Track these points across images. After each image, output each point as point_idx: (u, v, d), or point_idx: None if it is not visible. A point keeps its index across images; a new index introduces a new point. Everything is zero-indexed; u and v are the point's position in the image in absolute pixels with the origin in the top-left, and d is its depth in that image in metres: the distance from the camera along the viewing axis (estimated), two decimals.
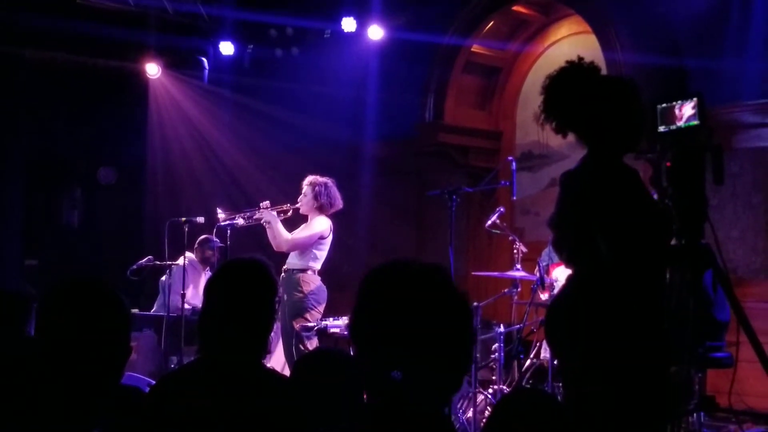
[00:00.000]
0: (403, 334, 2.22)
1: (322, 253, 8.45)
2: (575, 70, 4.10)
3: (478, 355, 8.04)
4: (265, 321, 3.46)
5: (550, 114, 4.12)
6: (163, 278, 10.20)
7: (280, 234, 8.40)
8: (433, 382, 2.24)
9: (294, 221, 8.72)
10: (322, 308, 8.37)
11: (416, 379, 2.21)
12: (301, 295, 8.28)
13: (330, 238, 8.49)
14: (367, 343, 2.28)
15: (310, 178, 8.55)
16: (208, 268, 10.29)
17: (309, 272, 8.38)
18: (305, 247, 8.40)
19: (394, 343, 2.22)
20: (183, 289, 9.23)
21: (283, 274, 8.39)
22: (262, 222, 8.62)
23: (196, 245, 10.02)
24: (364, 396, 2.38)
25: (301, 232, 8.47)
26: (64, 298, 2.64)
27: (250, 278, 3.45)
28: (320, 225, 8.42)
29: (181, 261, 9.72)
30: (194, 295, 9.79)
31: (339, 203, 8.56)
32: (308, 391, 3.35)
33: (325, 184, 8.49)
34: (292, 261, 8.45)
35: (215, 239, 9.76)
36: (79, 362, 2.53)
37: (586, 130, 4.08)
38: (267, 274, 3.48)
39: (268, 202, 8.67)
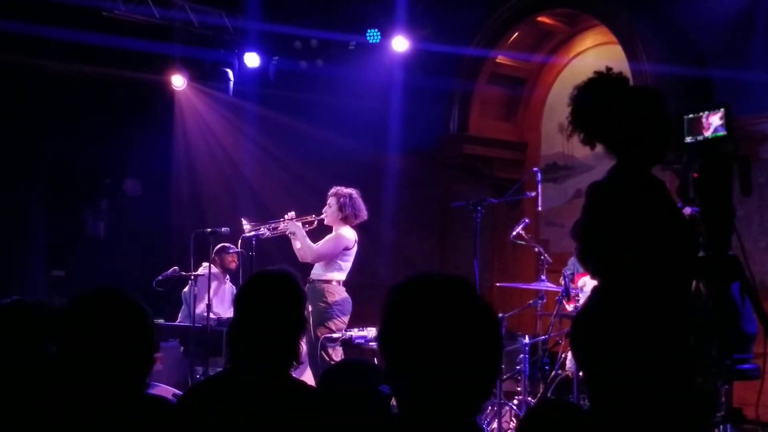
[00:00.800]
0: (431, 347, 2.21)
1: (346, 264, 8.45)
2: (603, 81, 4.08)
3: (503, 367, 8.02)
4: (294, 332, 3.47)
5: (577, 125, 4.09)
6: (186, 289, 10.23)
7: (305, 245, 8.42)
8: (462, 393, 2.24)
9: (319, 232, 8.73)
10: (346, 319, 8.37)
11: (445, 390, 2.21)
12: (325, 305, 8.28)
13: (355, 249, 8.49)
14: (396, 356, 2.27)
15: (334, 189, 8.56)
16: (228, 276, 10.30)
17: (333, 283, 8.39)
18: (330, 258, 8.40)
19: (423, 355, 2.22)
20: (208, 299, 9.24)
21: (307, 284, 8.40)
22: (287, 233, 8.63)
23: (213, 255, 10.03)
24: (392, 407, 2.38)
25: (326, 243, 8.48)
26: (88, 309, 2.64)
27: (279, 289, 3.46)
28: (345, 236, 8.43)
29: (201, 271, 9.74)
30: (217, 305, 9.81)
31: (364, 214, 8.56)
32: (334, 402, 3.34)
33: (350, 195, 8.50)
34: (317, 272, 8.46)
35: (232, 246, 9.74)
36: (103, 372, 2.54)
37: (614, 141, 4.05)
38: (295, 285, 3.49)
39: (293, 213, 8.69)
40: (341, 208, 8.46)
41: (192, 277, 9.70)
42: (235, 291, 9.96)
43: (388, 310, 2.31)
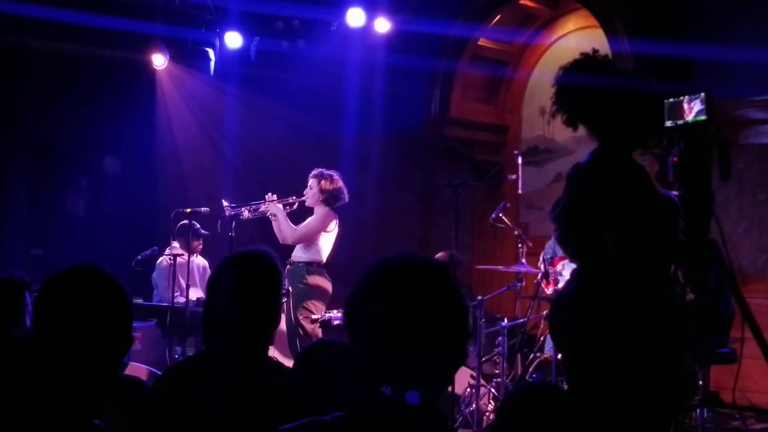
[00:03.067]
0: (396, 324, 2.22)
1: (327, 246, 8.46)
2: (589, 63, 4.07)
3: (481, 349, 8.04)
4: (271, 313, 3.45)
5: (561, 105, 4.09)
6: (154, 274, 10.17)
7: (285, 227, 8.42)
8: (425, 373, 2.24)
9: (300, 214, 8.72)
10: (326, 300, 8.38)
11: (408, 370, 2.22)
12: (305, 287, 8.30)
13: (335, 232, 8.50)
14: (360, 333, 2.28)
15: (315, 171, 8.56)
16: (196, 255, 10.11)
17: (314, 265, 8.40)
18: (310, 240, 8.40)
19: (387, 332, 2.22)
20: (187, 279, 9.22)
21: (288, 266, 8.40)
22: (267, 214, 8.62)
23: (174, 234, 9.95)
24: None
25: (307, 225, 8.47)
26: (64, 286, 2.62)
27: (256, 270, 3.43)
28: (326, 218, 8.42)
29: (167, 251, 9.72)
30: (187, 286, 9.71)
31: (344, 197, 8.56)
32: (310, 381, 3.34)
33: (331, 177, 8.50)
34: (298, 254, 8.46)
35: (195, 224, 9.62)
36: (79, 351, 2.52)
37: (597, 123, 4.05)
38: (273, 266, 3.46)
39: (274, 194, 8.68)
40: (322, 190, 8.46)
41: (162, 258, 9.70)
42: (206, 267, 9.93)
43: (360, 285, 2.32)
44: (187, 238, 9.78)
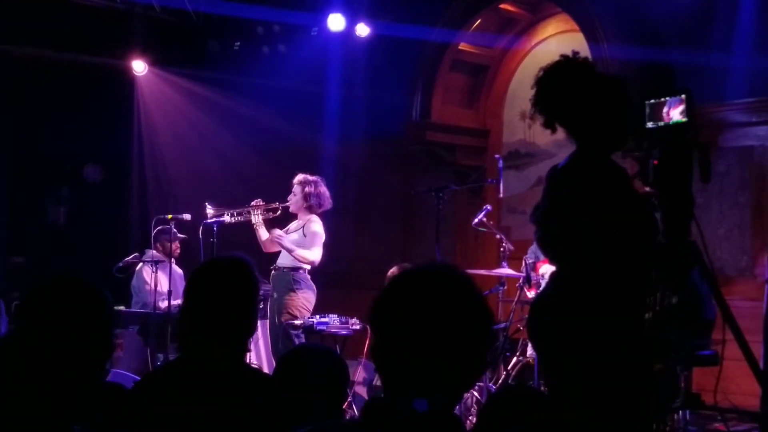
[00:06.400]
0: (423, 333, 2.21)
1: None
2: (569, 65, 4.06)
3: None
4: (247, 319, 3.44)
5: (540, 108, 4.07)
6: (133, 281, 10.10)
7: (302, 254, 8.29)
8: (446, 381, 2.24)
9: (283, 219, 8.72)
10: (311, 307, 8.37)
11: (430, 377, 2.22)
12: (291, 292, 8.29)
13: (323, 239, 8.49)
14: (387, 337, 2.27)
15: (299, 177, 8.55)
16: (173, 260, 9.96)
17: (301, 271, 8.38)
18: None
19: (414, 340, 2.22)
20: (169, 286, 9.18)
21: (273, 271, 8.40)
22: (252, 223, 8.61)
23: (152, 240, 9.89)
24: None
25: (313, 247, 8.36)
26: (45, 295, 2.62)
27: (232, 276, 3.42)
28: (319, 227, 8.41)
29: (145, 258, 9.69)
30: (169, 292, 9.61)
31: (328, 203, 8.56)
32: (290, 387, 3.33)
33: (315, 183, 8.50)
34: (285, 260, 8.43)
35: (171, 228, 9.57)
36: (61, 359, 2.51)
37: (576, 125, 4.04)
38: (249, 272, 3.45)
39: (260, 200, 8.68)
40: (306, 197, 8.45)
41: (141, 264, 9.68)
42: (182, 276, 9.86)
43: (390, 290, 2.31)
44: (164, 244, 9.74)
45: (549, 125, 4.08)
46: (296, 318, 8.20)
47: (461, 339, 2.24)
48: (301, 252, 8.30)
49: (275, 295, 8.36)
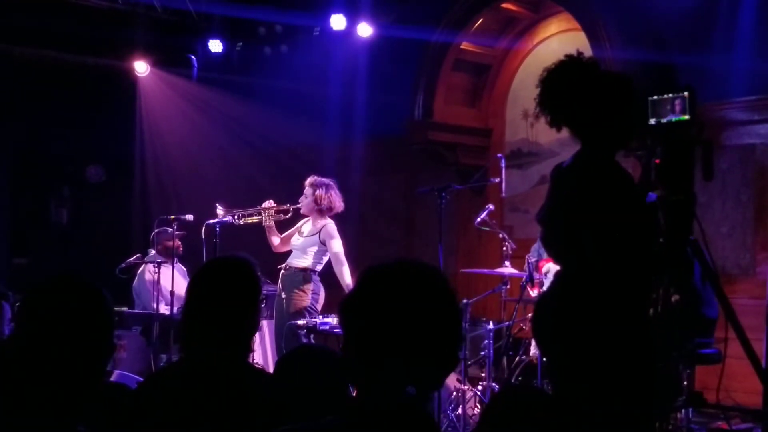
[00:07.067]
0: (392, 330, 2.22)
1: (326, 256, 8.43)
2: (574, 64, 4.05)
3: (467, 352, 8.05)
4: (250, 319, 3.44)
5: (545, 107, 4.07)
6: (135, 284, 10.10)
7: (339, 271, 8.31)
8: (416, 377, 2.25)
9: (292, 220, 8.72)
10: (320, 308, 8.37)
11: (400, 373, 2.22)
12: (301, 293, 8.27)
13: None
14: (356, 337, 2.28)
15: (311, 179, 8.51)
16: (176, 259, 9.77)
17: (309, 272, 8.37)
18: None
19: (383, 338, 2.22)
20: (172, 286, 9.16)
21: (283, 271, 8.39)
22: (264, 225, 8.60)
23: (152, 241, 9.89)
24: (353, 392, 2.39)
25: (333, 251, 8.33)
26: (46, 295, 2.62)
27: (235, 276, 3.42)
28: (336, 234, 8.41)
29: (147, 259, 9.70)
30: (166, 290, 9.58)
31: (339, 206, 8.49)
32: (291, 387, 3.33)
33: (327, 186, 8.45)
34: (297, 260, 8.40)
35: (168, 229, 9.58)
36: (62, 359, 2.52)
37: (581, 125, 4.04)
38: (252, 272, 3.45)
39: (271, 201, 8.66)
40: (317, 200, 8.42)
41: (143, 267, 9.69)
42: (185, 273, 9.85)
43: (356, 289, 2.32)
44: (164, 245, 9.74)
45: (554, 124, 4.08)
46: (305, 318, 8.17)
47: (430, 333, 2.25)
48: (346, 277, 8.28)
49: (283, 295, 8.34)
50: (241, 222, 8.78)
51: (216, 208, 8.85)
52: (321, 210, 8.43)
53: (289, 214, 8.69)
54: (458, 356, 2.38)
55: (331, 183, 8.52)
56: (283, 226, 8.73)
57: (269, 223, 8.61)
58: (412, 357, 2.22)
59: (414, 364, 2.23)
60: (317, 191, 8.42)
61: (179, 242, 9.77)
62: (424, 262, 2.39)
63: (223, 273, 3.45)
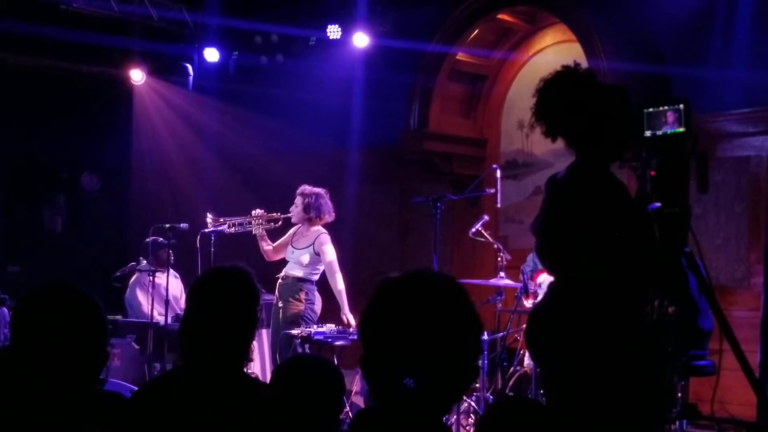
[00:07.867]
0: (413, 343, 2.21)
1: (321, 265, 8.42)
2: (570, 75, 4.06)
3: None
4: (247, 329, 3.44)
5: (541, 117, 4.07)
6: (127, 294, 10.04)
7: (334, 281, 8.34)
8: (437, 390, 2.24)
9: (282, 229, 8.71)
10: (316, 317, 8.37)
11: (421, 387, 2.21)
12: (298, 302, 8.27)
13: None
14: (377, 349, 2.27)
15: (302, 189, 8.52)
16: (168, 269, 9.62)
17: (308, 282, 8.36)
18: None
19: (405, 350, 2.21)
20: (166, 296, 9.15)
21: (280, 280, 8.38)
22: (255, 233, 8.60)
23: (146, 254, 9.83)
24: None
25: (326, 261, 8.35)
26: (39, 303, 2.62)
27: (233, 286, 3.43)
28: (329, 239, 8.41)
29: (144, 267, 9.66)
30: (158, 301, 9.52)
31: (329, 215, 8.50)
32: (286, 397, 3.33)
33: (316, 195, 8.46)
34: (294, 270, 8.39)
35: (160, 239, 9.59)
36: (55, 367, 2.52)
37: (577, 136, 4.04)
38: (249, 282, 3.46)
39: (261, 210, 8.66)
40: (306, 208, 8.42)
41: (134, 277, 9.68)
42: (180, 284, 9.82)
43: (375, 301, 2.31)
44: (156, 255, 9.69)
45: (549, 135, 4.08)
46: (301, 327, 8.15)
47: (450, 346, 2.24)
48: (339, 284, 8.32)
49: (281, 304, 8.34)
50: (233, 231, 8.77)
51: (206, 217, 8.84)
52: (311, 219, 8.43)
53: (279, 223, 8.68)
54: (478, 366, 2.36)
55: (322, 192, 8.51)
56: (275, 235, 8.72)
57: (260, 231, 8.60)
58: (431, 368, 2.21)
59: (434, 376, 2.22)
60: (306, 199, 8.43)
61: (169, 251, 9.73)
62: (441, 272, 2.38)
63: (221, 282, 3.46)
